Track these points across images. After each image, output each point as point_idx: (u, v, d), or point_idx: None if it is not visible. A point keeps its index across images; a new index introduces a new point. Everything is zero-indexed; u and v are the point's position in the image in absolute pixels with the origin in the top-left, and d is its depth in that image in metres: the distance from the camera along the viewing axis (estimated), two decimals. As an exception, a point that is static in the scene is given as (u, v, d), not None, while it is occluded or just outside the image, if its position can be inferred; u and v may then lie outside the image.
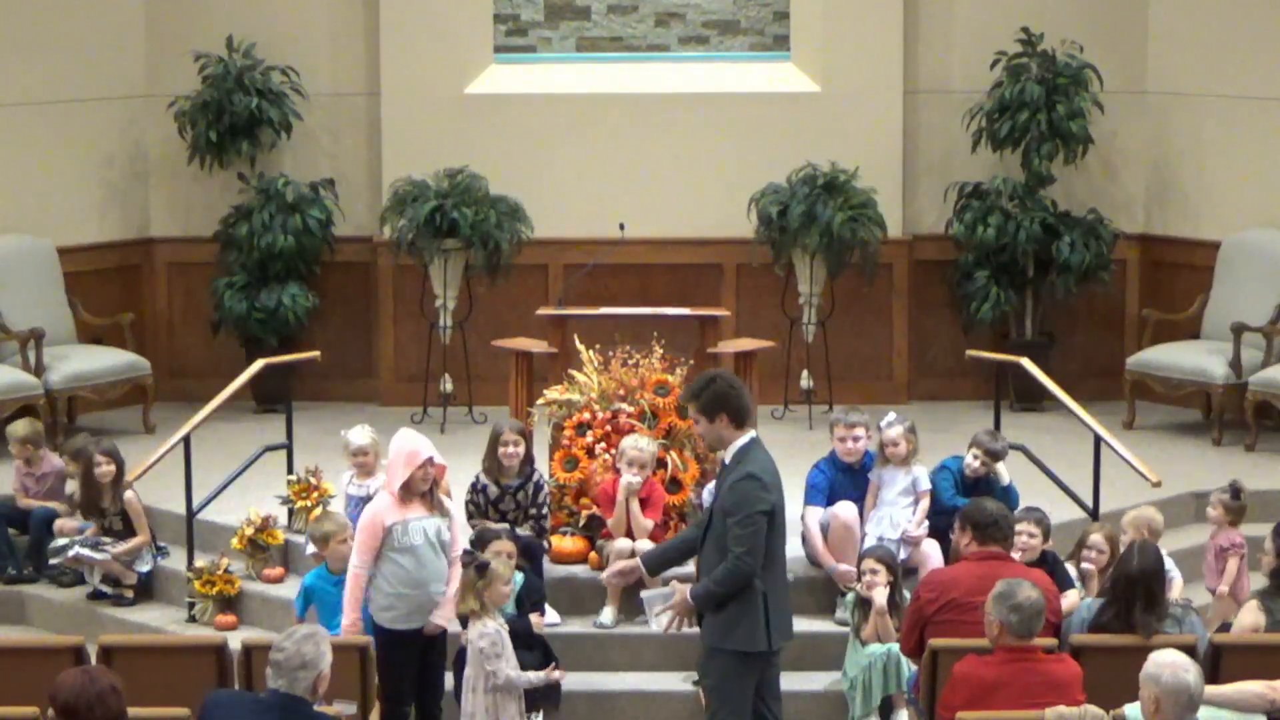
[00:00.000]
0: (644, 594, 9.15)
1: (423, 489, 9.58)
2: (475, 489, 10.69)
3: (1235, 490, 10.65)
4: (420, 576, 9.54)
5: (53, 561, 11.57)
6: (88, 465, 11.44)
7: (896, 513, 10.73)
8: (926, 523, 10.70)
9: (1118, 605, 9.01)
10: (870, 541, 10.58)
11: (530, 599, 10.15)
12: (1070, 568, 10.23)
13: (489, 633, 9.26)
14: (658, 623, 8.97)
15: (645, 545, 10.48)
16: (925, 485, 10.76)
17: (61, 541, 11.51)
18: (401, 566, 9.53)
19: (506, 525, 10.55)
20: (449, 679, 9.86)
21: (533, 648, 9.82)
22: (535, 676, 9.43)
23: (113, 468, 11.38)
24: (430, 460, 9.56)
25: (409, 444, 9.61)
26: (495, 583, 9.31)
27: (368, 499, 10.84)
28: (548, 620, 10.31)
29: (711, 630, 8.82)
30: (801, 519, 10.80)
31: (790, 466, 11.55)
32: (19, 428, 12.11)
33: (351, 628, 9.54)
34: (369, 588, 9.62)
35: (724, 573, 8.68)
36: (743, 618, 8.72)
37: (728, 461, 8.84)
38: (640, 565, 9.30)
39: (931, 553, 10.58)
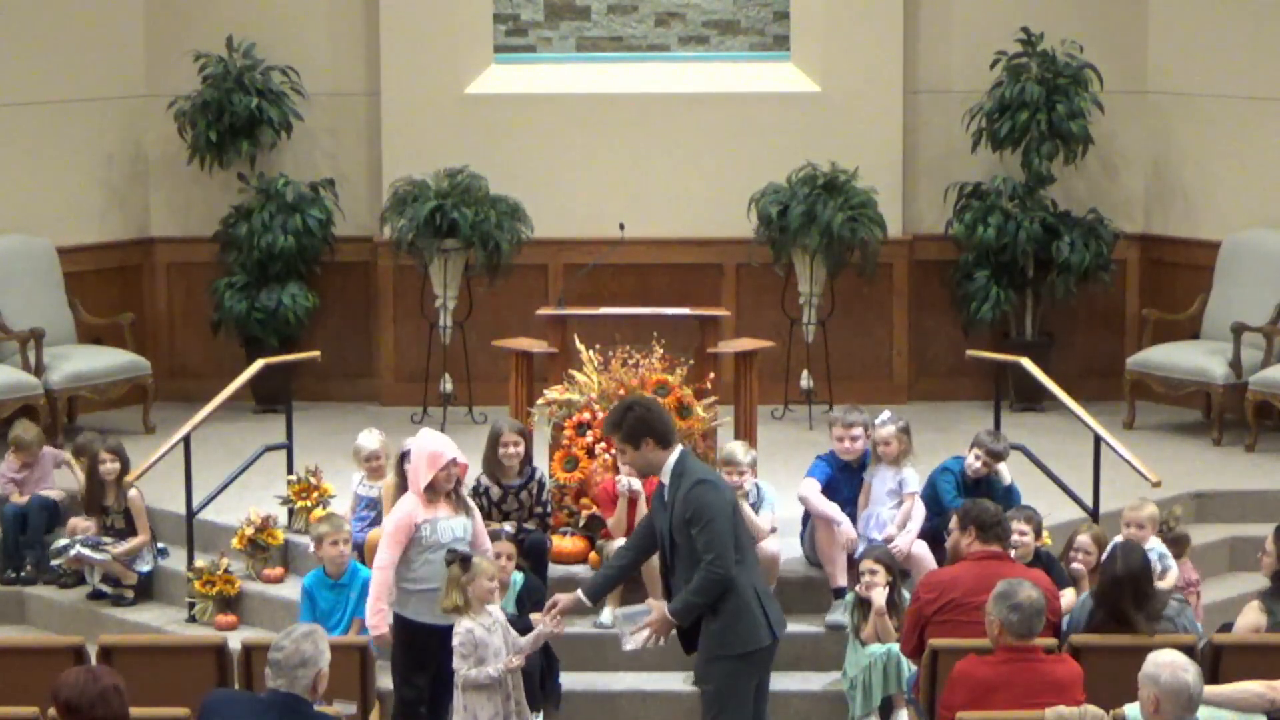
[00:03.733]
0: (618, 612, 9.07)
1: (447, 489, 9.57)
2: (478, 491, 10.67)
3: (1166, 526, 10.52)
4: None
5: (54, 562, 11.58)
6: (93, 462, 11.46)
7: (883, 512, 10.70)
8: (915, 526, 10.62)
9: (1107, 607, 9.00)
10: (861, 541, 10.58)
11: (530, 599, 10.15)
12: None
13: (460, 630, 9.23)
14: (634, 641, 8.89)
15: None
16: (911, 488, 10.69)
17: (62, 542, 11.52)
18: (430, 565, 9.47)
19: (513, 525, 10.55)
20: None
21: (533, 647, 9.81)
22: (495, 669, 9.20)
23: (117, 465, 11.41)
24: (453, 461, 9.55)
25: (431, 445, 9.59)
26: (479, 578, 9.24)
27: (376, 500, 10.89)
28: (548, 620, 10.30)
29: (712, 639, 8.75)
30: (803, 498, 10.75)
31: (790, 466, 11.62)
32: (27, 433, 12.09)
33: (378, 618, 9.41)
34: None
35: (700, 582, 8.66)
36: (741, 618, 8.71)
37: (666, 481, 8.81)
38: (581, 596, 9.14)
39: (921, 554, 10.55)
